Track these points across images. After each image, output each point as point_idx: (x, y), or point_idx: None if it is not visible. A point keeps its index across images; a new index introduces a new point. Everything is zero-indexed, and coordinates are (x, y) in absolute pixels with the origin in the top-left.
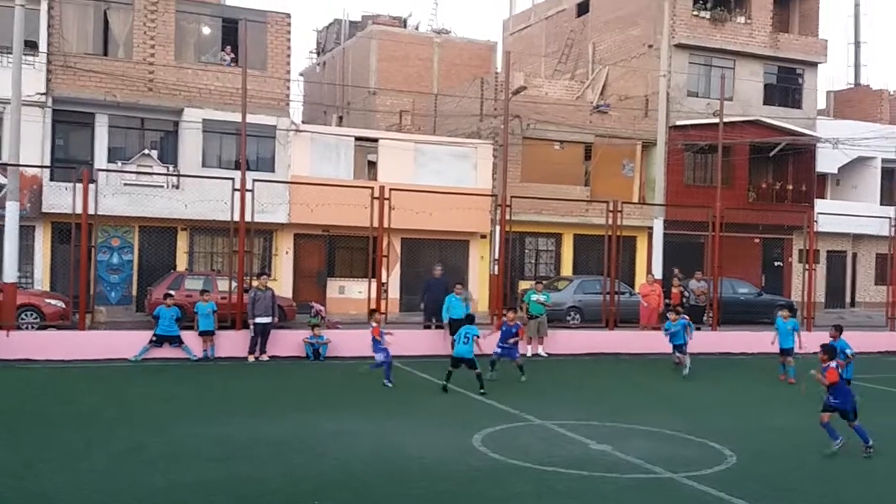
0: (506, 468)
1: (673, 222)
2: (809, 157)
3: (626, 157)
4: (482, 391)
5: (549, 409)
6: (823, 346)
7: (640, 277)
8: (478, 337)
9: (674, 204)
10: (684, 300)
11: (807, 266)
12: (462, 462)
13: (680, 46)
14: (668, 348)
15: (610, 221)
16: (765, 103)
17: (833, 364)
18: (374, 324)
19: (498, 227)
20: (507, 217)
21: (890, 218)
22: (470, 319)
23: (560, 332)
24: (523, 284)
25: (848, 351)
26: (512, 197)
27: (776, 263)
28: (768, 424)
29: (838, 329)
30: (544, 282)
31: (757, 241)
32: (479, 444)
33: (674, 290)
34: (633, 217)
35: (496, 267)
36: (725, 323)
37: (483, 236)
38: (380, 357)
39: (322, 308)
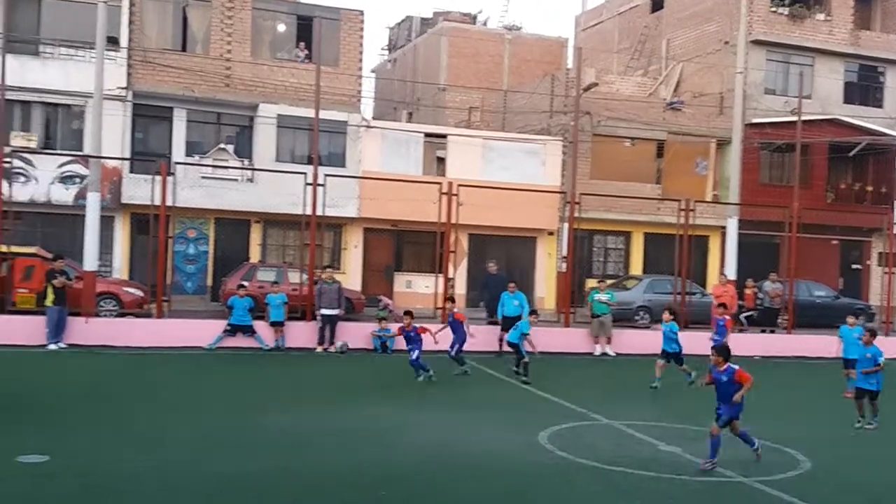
0: (573, 467)
1: (748, 222)
2: (891, 158)
3: (700, 155)
4: (524, 379)
5: (616, 409)
6: (715, 348)
7: (713, 278)
8: (527, 334)
9: (749, 203)
10: (758, 302)
11: (886, 269)
12: (529, 459)
13: (757, 43)
14: (741, 350)
15: (682, 220)
16: (845, 102)
17: (727, 368)
18: (455, 309)
19: (566, 225)
20: (576, 214)
21: None
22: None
23: (628, 332)
24: (591, 283)
25: (879, 359)
26: (581, 194)
27: (854, 266)
28: (843, 431)
29: (872, 333)
30: (612, 280)
31: (835, 242)
32: (545, 442)
33: (747, 291)
34: (706, 216)
35: (563, 264)
36: (801, 326)
37: (550, 233)
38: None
39: (390, 302)
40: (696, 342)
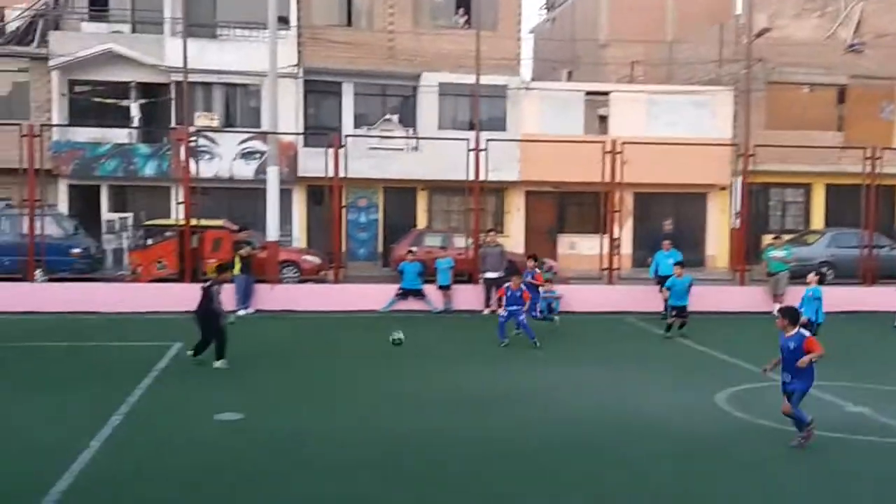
0: (753, 429)
1: None
2: None
3: (885, 99)
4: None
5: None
6: (782, 311)
7: None
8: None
9: None
10: None
11: None
12: (706, 421)
13: None
14: None
15: (867, 169)
16: None
17: (796, 333)
18: (537, 270)
19: (739, 179)
20: (750, 167)
21: None
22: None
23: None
24: (767, 239)
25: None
26: (755, 145)
27: None
28: None
29: (819, 277)
30: (791, 236)
31: None
32: (722, 404)
33: None
34: (894, 164)
35: (737, 221)
36: None
37: (722, 188)
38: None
39: (554, 264)
40: (884, 299)
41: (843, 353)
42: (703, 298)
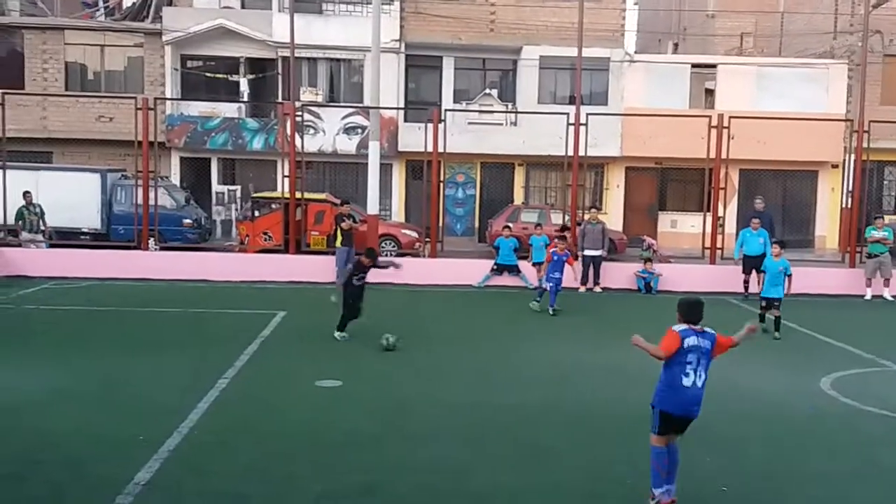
0: (857, 413)
1: None
2: None
3: None
4: (776, 336)
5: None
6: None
7: None
8: (790, 276)
9: None
10: None
11: None
12: (808, 405)
13: None
14: None
15: None
16: None
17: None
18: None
19: (852, 156)
20: (864, 144)
21: None
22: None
23: None
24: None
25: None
26: (870, 121)
27: None
28: None
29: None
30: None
31: None
32: (828, 388)
33: None
34: None
35: (849, 200)
36: None
37: (834, 166)
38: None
39: (654, 242)
40: None
41: None
42: (809, 279)
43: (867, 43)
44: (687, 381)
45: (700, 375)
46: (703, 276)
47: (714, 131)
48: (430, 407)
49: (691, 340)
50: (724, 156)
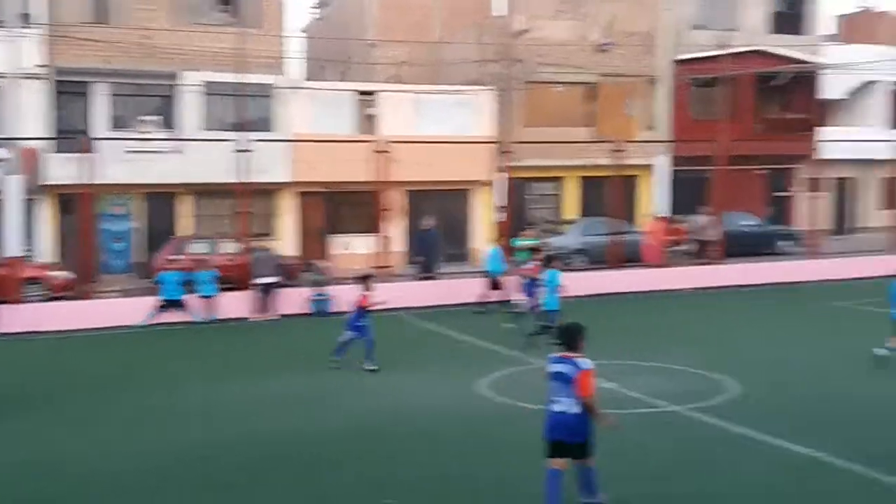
0: (512, 410)
1: (684, 158)
2: (815, 85)
3: (631, 96)
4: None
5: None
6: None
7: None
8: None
9: (672, 140)
10: (691, 236)
11: (811, 195)
12: (469, 407)
13: None
14: (674, 284)
15: (613, 161)
16: (772, 32)
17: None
18: (366, 292)
19: (501, 175)
20: (511, 163)
21: None
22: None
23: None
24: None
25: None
26: (512, 142)
27: (781, 193)
28: (770, 355)
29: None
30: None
31: (762, 172)
32: (484, 390)
33: (678, 226)
34: (639, 156)
35: (501, 214)
36: (732, 256)
37: (486, 184)
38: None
39: (326, 265)
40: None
41: (599, 333)
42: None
43: (510, 71)
44: (554, 407)
45: (563, 402)
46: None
47: (377, 156)
48: (88, 462)
49: (553, 367)
50: (388, 178)
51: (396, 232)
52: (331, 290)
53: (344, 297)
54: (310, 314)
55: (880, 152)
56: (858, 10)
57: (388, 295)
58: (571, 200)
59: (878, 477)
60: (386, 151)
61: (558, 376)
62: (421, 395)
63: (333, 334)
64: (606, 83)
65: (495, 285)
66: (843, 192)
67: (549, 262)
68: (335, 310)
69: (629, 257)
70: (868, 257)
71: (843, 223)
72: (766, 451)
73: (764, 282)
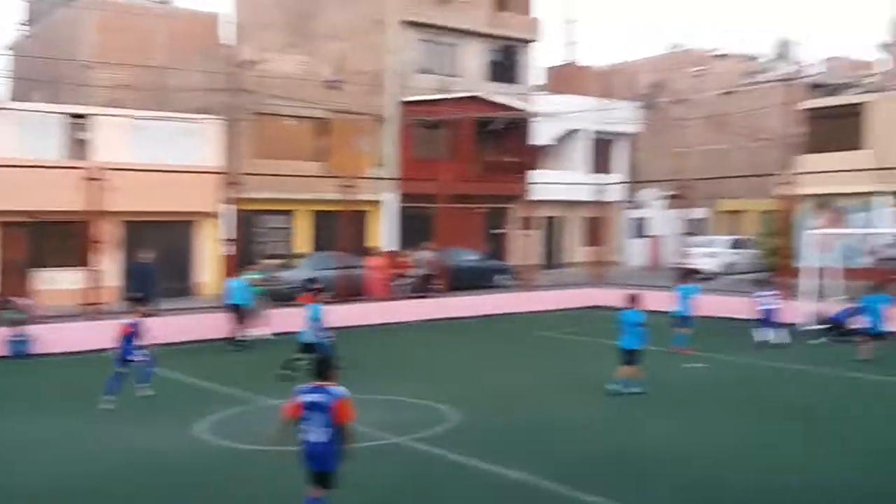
0: (232, 453)
1: (409, 195)
2: (527, 131)
3: (360, 133)
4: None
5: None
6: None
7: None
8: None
9: (399, 178)
10: (416, 270)
11: (524, 232)
12: (190, 452)
13: (408, 23)
14: (401, 317)
15: (343, 197)
16: (490, 80)
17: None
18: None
19: (228, 207)
20: (239, 195)
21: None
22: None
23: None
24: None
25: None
26: (242, 174)
27: (497, 231)
28: (489, 382)
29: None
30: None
31: (481, 210)
32: (204, 433)
33: (403, 260)
34: (369, 191)
35: (228, 247)
36: (456, 289)
37: (213, 216)
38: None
39: (27, 302)
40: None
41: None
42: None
43: (238, 101)
44: (309, 437)
45: (317, 431)
46: (84, 333)
47: (89, 183)
48: None
49: (307, 397)
50: (103, 208)
51: (110, 265)
52: (32, 329)
53: (48, 336)
54: (8, 356)
55: (583, 194)
56: (564, 63)
57: (103, 334)
58: (304, 234)
59: (580, 496)
60: (98, 179)
61: (313, 406)
62: (131, 444)
63: (34, 378)
64: (337, 119)
65: (241, 318)
66: (552, 230)
67: (316, 293)
68: (36, 351)
69: (358, 291)
70: (571, 290)
71: (551, 258)
72: (480, 476)
73: (484, 313)
